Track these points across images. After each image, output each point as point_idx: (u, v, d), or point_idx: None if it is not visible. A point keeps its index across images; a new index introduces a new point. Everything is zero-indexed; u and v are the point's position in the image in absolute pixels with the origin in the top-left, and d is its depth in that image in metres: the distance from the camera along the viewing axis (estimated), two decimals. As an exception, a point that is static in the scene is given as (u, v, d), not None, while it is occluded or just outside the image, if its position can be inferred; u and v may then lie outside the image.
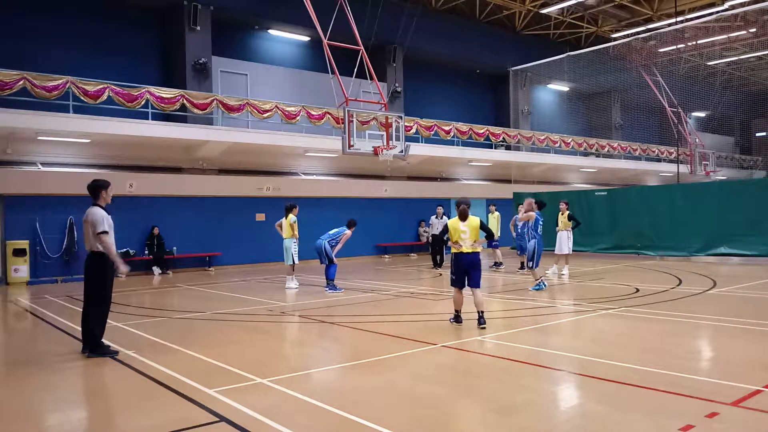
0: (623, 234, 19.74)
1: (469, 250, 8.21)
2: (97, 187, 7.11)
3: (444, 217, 17.04)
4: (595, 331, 8.14)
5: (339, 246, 12.93)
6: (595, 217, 20.46)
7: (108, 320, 7.20)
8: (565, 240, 14.78)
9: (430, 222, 17.28)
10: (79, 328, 7.17)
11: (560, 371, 6.01)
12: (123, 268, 7.00)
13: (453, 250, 8.36)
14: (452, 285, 8.49)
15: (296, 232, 13.27)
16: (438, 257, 16.92)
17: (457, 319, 8.45)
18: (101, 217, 6.91)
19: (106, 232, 6.86)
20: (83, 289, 7.11)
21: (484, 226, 8.30)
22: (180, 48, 19.59)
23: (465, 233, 8.17)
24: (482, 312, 8.17)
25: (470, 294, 8.36)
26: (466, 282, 8.31)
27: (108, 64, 18.67)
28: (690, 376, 5.58)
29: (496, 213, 17.42)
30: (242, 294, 12.70)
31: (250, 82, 21.75)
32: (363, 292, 12.58)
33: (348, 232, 13.06)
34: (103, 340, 7.06)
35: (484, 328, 8.01)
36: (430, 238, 17.49)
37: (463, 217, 8.24)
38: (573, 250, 15.25)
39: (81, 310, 7.14)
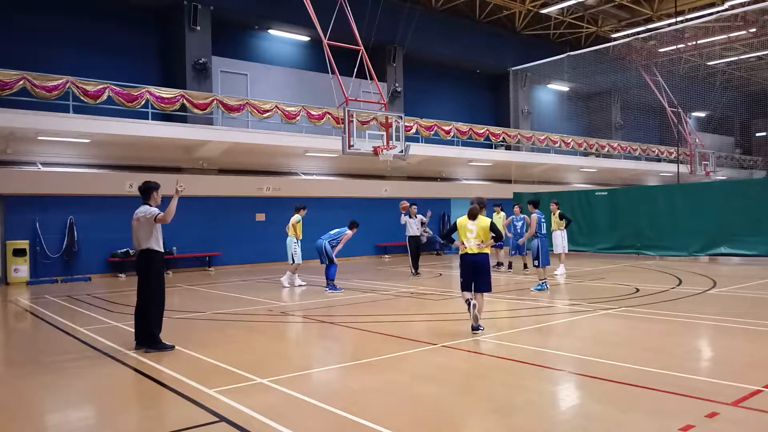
0: (623, 234, 19.73)
1: (475, 251, 7.74)
2: (148, 189, 7.42)
3: (418, 216, 16.52)
4: (595, 331, 8.14)
5: (339, 246, 12.95)
6: (596, 217, 20.46)
7: (107, 320, 7.21)
8: (559, 239, 14.86)
9: (402, 221, 16.05)
10: (79, 329, 7.19)
11: (560, 371, 6.01)
12: (180, 186, 7.20)
13: (460, 252, 7.92)
14: (462, 289, 7.93)
15: (298, 232, 13.32)
16: (417, 261, 15.93)
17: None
18: (150, 208, 7.23)
19: (160, 212, 7.14)
20: (137, 287, 7.36)
21: (494, 228, 7.82)
22: (180, 48, 19.59)
23: (471, 232, 7.75)
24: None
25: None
26: (473, 286, 7.79)
27: (108, 64, 18.66)
28: (690, 376, 5.58)
29: (502, 213, 17.28)
30: (242, 294, 12.70)
31: (250, 82, 21.75)
32: (363, 292, 12.57)
33: (349, 232, 13.08)
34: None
35: (477, 333, 7.66)
36: (408, 240, 16.21)
37: (473, 216, 7.80)
38: (573, 250, 15.28)
39: (77, 311, 7.14)
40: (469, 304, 7.76)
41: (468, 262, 7.81)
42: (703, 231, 17.57)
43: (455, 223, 7.98)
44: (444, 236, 8.26)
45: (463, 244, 7.82)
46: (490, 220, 7.92)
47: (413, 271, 15.83)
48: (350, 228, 13.19)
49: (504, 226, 16.43)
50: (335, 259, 12.90)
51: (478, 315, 7.70)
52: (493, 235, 7.82)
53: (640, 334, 7.68)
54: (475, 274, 7.78)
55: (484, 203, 8.02)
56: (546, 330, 8.25)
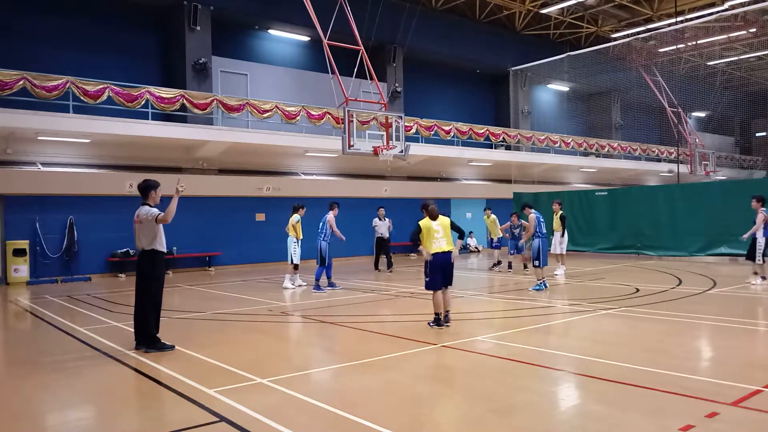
0: (623, 234, 19.73)
1: (445, 249, 8.12)
2: (147, 188, 7.39)
3: (386, 219, 17.17)
4: (595, 331, 8.14)
5: (336, 231, 13.10)
6: (595, 217, 20.46)
7: (107, 320, 7.21)
8: (558, 240, 14.88)
9: (374, 224, 17.13)
10: (79, 329, 7.19)
11: (560, 371, 6.01)
12: (180, 186, 7.16)
13: (430, 252, 8.13)
14: (430, 288, 8.22)
15: (298, 233, 13.32)
16: (384, 259, 16.93)
17: (438, 322, 8.20)
18: (150, 209, 7.20)
19: (160, 213, 7.10)
20: (135, 287, 7.31)
21: (455, 226, 8.34)
22: (180, 48, 19.59)
23: (438, 232, 8.11)
24: (448, 311, 8.28)
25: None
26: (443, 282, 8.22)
27: (108, 64, 18.66)
28: (690, 376, 5.58)
29: (492, 216, 17.40)
30: (242, 294, 12.70)
31: (250, 82, 21.74)
32: (363, 292, 12.58)
33: (331, 216, 13.18)
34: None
35: (449, 326, 8.16)
36: (376, 240, 17.29)
37: (434, 216, 8.17)
38: (573, 250, 15.30)
39: (77, 311, 7.14)
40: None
41: (441, 260, 8.12)
42: (702, 231, 17.56)
43: (419, 226, 8.22)
44: (412, 239, 8.48)
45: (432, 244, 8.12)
46: (449, 218, 8.36)
47: (382, 268, 16.74)
48: (330, 210, 13.32)
49: (501, 230, 16.65)
50: (326, 260, 12.96)
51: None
52: (457, 233, 8.37)
53: (640, 334, 7.68)
54: (446, 271, 8.19)
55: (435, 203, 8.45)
56: (546, 330, 8.25)
